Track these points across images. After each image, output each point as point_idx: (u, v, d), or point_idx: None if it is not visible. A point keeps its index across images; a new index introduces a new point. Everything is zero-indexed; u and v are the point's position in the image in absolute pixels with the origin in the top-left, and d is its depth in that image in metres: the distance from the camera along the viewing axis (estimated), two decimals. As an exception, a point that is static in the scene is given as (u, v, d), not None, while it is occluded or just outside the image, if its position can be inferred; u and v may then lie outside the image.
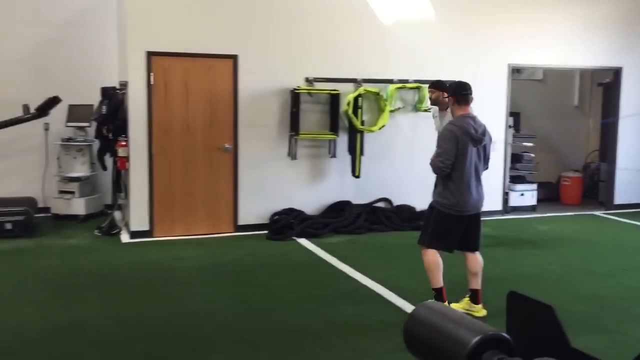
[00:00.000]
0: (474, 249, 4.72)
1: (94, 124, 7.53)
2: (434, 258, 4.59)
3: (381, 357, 3.99)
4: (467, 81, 4.64)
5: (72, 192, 7.65)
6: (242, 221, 7.27)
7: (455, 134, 4.44)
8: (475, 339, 1.36)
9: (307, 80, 7.42)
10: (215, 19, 7.05)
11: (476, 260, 4.71)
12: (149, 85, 6.83)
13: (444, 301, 4.58)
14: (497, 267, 6.09)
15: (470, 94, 4.57)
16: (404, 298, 5.02)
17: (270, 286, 5.42)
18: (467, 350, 1.34)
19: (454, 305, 4.70)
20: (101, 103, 7.39)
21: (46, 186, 7.90)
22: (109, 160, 7.57)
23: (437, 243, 4.59)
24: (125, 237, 6.95)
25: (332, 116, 7.53)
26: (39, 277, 5.52)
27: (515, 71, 8.77)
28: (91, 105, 7.69)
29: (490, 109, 8.28)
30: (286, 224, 7.06)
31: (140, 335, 4.27)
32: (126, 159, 6.89)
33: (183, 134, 7.01)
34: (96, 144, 7.65)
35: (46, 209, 7.79)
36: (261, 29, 7.23)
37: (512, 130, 8.67)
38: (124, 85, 7.22)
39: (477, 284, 4.74)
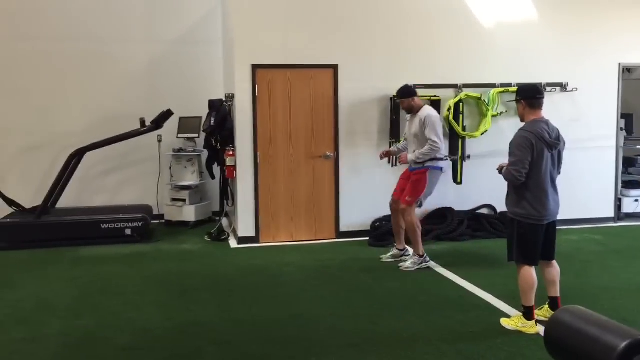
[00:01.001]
0: (551, 257, 4.57)
1: (203, 135, 7.93)
2: (529, 276, 4.42)
3: (493, 365, 3.94)
4: (575, 82, 4.53)
5: (183, 200, 8.09)
6: (343, 228, 7.38)
7: (530, 140, 4.28)
8: (624, 343, 1.35)
9: (407, 86, 7.43)
10: (315, 30, 7.23)
11: (554, 268, 4.59)
12: (254, 97, 7.11)
13: (532, 319, 4.45)
14: (613, 277, 5.81)
15: (543, 97, 4.47)
16: (513, 306, 4.91)
17: (375, 291, 5.47)
18: (616, 354, 1.34)
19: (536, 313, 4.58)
20: (209, 115, 7.77)
21: (160, 194, 8.40)
22: (217, 169, 7.95)
23: (526, 258, 4.44)
24: (233, 243, 7.26)
25: (433, 122, 7.48)
26: (158, 279, 5.88)
27: (627, 71, 8.33)
28: (200, 117, 8.11)
29: (600, 111, 7.94)
30: (387, 230, 7.08)
31: (255, 335, 4.45)
32: (233, 167, 7.20)
33: (286, 142, 7.24)
34: (205, 154, 8.05)
35: (160, 216, 8.29)
36: (360, 38, 7.34)
37: (623, 133, 8.24)
38: (230, 97, 7.56)
39: (556, 291, 4.61)
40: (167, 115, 7.72)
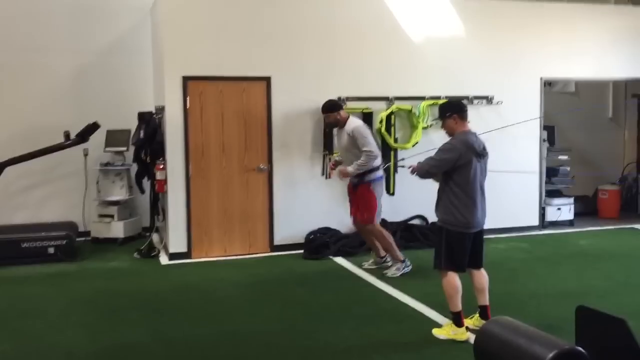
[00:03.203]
0: (479, 265, 4.67)
1: (132, 148, 7.69)
2: (453, 281, 4.51)
3: (427, 375, 3.97)
4: (500, 95, 4.67)
5: (111, 216, 7.80)
6: (278, 241, 7.31)
7: (459, 148, 4.46)
8: (551, 354, 1.36)
9: (340, 99, 7.48)
10: (247, 43, 7.17)
11: (482, 276, 4.69)
12: (185, 109, 6.96)
13: (462, 325, 4.53)
14: (539, 283, 6.01)
15: (467, 110, 4.69)
16: (446, 315, 4.97)
17: (310, 305, 5.43)
18: (543, 365, 1.35)
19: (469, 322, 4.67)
20: (139, 128, 7.56)
21: (86, 210, 8.06)
22: (146, 183, 7.72)
23: (453, 265, 4.52)
24: (164, 259, 7.05)
25: (365, 134, 7.56)
26: (83, 299, 5.62)
27: (548, 84, 8.71)
28: (129, 130, 7.86)
29: (524, 123, 8.24)
30: (322, 243, 7.08)
31: (188, 355, 4.32)
32: (164, 181, 7.02)
33: (219, 155, 7.12)
34: (134, 168, 7.81)
35: (86, 233, 7.95)
36: (293, 50, 7.34)
37: (546, 144, 8.60)
38: (160, 109, 7.37)
39: (485, 299, 4.70)
40: (93, 128, 7.41)
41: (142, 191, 7.81)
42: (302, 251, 7.14)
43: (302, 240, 7.29)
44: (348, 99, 7.48)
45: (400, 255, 6.33)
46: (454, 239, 4.48)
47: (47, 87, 8.03)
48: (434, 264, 4.64)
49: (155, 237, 7.68)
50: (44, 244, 6.90)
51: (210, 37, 7.06)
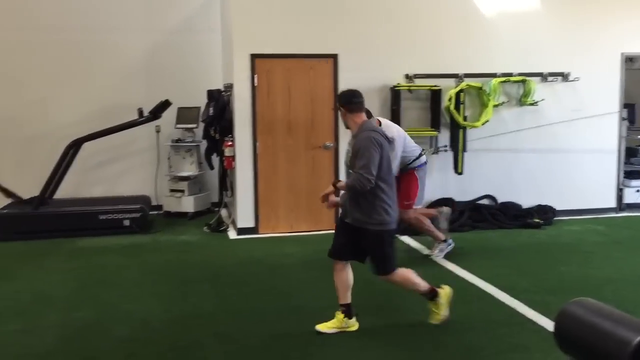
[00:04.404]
0: (364, 260, 4.30)
1: (202, 125, 7.86)
2: (403, 273, 4.26)
3: (494, 357, 3.90)
4: (577, 72, 4.23)
5: (182, 191, 8.03)
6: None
7: (378, 140, 4.02)
8: (639, 338, 1.30)
9: (407, 77, 7.37)
10: (315, 20, 7.15)
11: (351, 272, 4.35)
12: (253, 87, 7.04)
13: (436, 297, 4.35)
14: (616, 267, 5.77)
15: (362, 100, 4.19)
16: (516, 298, 4.87)
17: (376, 283, 5.38)
18: (630, 348, 1.29)
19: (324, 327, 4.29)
20: (208, 105, 7.71)
21: (158, 185, 8.34)
22: (215, 159, 7.89)
23: (394, 263, 4.22)
24: (232, 234, 7.21)
25: (433, 112, 7.43)
26: (156, 270, 5.83)
27: (629, 60, 8.25)
28: (198, 108, 8.04)
29: (602, 101, 7.87)
30: (388, 221, 7.04)
31: (254, 327, 4.40)
32: (232, 158, 7.14)
33: (286, 133, 7.17)
34: (204, 145, 7.99)
35: (159, 207, 8.23)
36: (361, 27, 7.26)
37: (626, 123, 8.18)
38: (229, 87, 7.49)
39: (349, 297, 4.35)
40: (165, 105, 7.64)
41: (212, 167, 7.99)
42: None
43: (367, 218, 7.27)
44: (416, 76, 7.36)
45: (441, 235, 6.16)
46: (392, 238, 4.17)
47: (121, 66, 8.29)
48: (382, 270, 4.21)
49: (223, 212, 7.86)
50: (119, 216, 7.20)
51: (278, 15, 7.08)
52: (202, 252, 6.50)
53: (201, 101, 7.93)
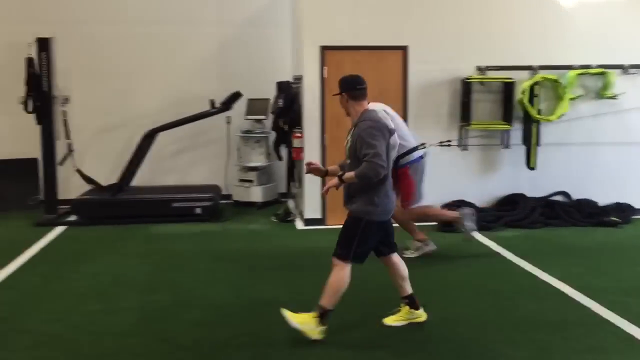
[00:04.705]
0: (394, 250, 4.25)
1: (271, 117, 7.98)
2: (347, 277, 4.06)
3: (569, 357, 3.79)
4: None
5: (250, 181, 8.20)
6: (410, 212, 7.28)
7: (380, 128, 3.86)
8: None
9: (479, 68, 7.23)
10: (385, 11, 7.12)
11: (401, 261, 4.31)
12: (322, 79, 7.08)
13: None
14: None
15: (365, 87, 4.05)
16: (592, 298, 4.71)
17: (446, 277, 5.38)
18: None
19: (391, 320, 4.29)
20: (277, 97, 7.82)
21: (228, 175, 8.54)
22: (284, 151, 8.00)
23: (359, 258, 4.07)
24: (299, 224, 7.30)
25: (506, 105, 7.27)
26: (227, 258, 5.99)
27: None
28: (268, 99, 8.17)
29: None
30: (456, 216, 6.94)
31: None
32: (301, 149, 7.22)
33: (354, 125, 7.17)
34: (272, 136, 8.11)
35: (228, 196, 8.43)
36: (431, 18, 7.18)
37: None
38: (298, 79, 7.56)
39: (409, 287, 4.31)
40: (235, 96, 7.81)
41: (280, 158, 8.11)
42: (434, 223, 7.05)
43: (435, 212, 7.20)
44: (488, 68, 7.20)
45: (421, 234, 5.95)
46: (373, 229, 3.98)
47: (195, 58, 8.52)
48: (337, 250, 4.09)
49: (291, 203, 7.97)
50: (191, 204, 7.43)
51: (348, 6, 7.09)
52: (270, 242, 6.62)
53: (271, 93, 8.05)
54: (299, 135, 7.24)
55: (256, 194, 8.18)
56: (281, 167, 8.34)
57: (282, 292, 4.97)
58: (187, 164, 8.63)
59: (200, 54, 8.53)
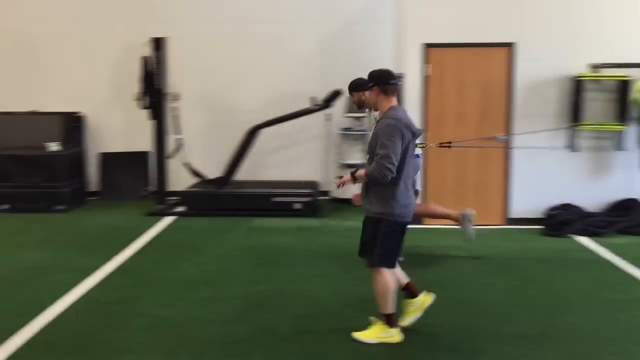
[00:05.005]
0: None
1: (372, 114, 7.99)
2: (388, 280, 3.95)
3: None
4: None
5: (349, 178, 8.24)
6: (513, 214, 7.06)
7: (400, 129, 3.74)
8: None
9: (592, 66, 6.87)
10: (491, 7, 6.93)
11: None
12: (424, 77, 7.00)
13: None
14: None
15: (397, 83, 3.95)
16: None
17: (551, 284, 5.17)
18: None
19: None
20: (378, 95, 7.80)
21: (327, 171, 8.64)
22: (383, 149, 7.97)
23: (389, 261, 3.96)
24: (397, 223, 7.26)
25: (620, 105, 6.86)
26: (325, 253, 6.07)
27: None
28: (368, 97, 8.16)
29: None
30: (564, 220, 6.65)
31: (425, 316, 4.42)
32: (400, 148, 7.17)
33: (456, 124, 7.05)
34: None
35: (326, 192, 8.54)
36: (539, 13, 6.91)
37: None
38: (399, 77, 7.51)
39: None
40: (336, 94, 7.88)
41: (378, 156, 8.10)
42: (539, 227, 6.80)
43: (540, 216, 6.95)
44: (603, 65, 6.83)
45: None
46: (394, 231, 3.90)
47: (296, 56, 8.68)
48: (368, 259, 4.03)
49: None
50: (291, 199, 7.60)
51: (453, 3, 6.96)
52: (368, 239, 6.63)
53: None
54: (399, 133, 7.19)
55: (354, 191, 8.20)
56: (379, 165, 8.32)
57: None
58: (287, 159, 8.83)
59: (302, 52, 8.69)
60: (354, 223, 7.25)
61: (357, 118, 8.30)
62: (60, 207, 7.87)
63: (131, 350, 3.88)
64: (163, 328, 4.22)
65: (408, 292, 4.24)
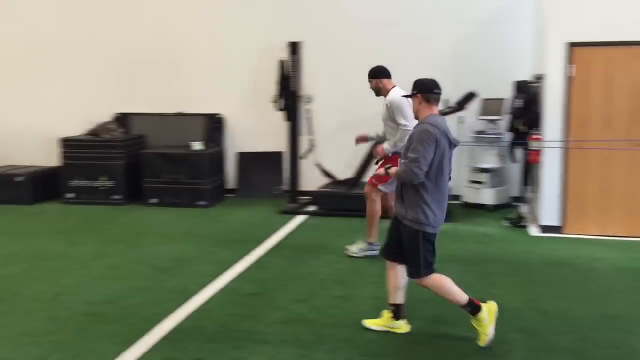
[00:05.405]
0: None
1: (507, 117, 7.71)
2: (440, 281, 4.04)
3: None
4: None
5: (481, 182, 8.02)
6: (666, 226, 6.49)
7: (435, 135, 3.81)
8: None
9: None
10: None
11: (404, 273, 4.13)
12: (567, 78, 6.64)
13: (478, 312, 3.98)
14: None
15: (440, 92, 4.08)
16: None
17: None
18: None
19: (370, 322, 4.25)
20: (515, 97, 7.53)
21: (458, 175, 8.45)
22: (519, 152, 7.67)
23: (429, 268, 4.01)
24: (533, 230, 6.95)
25: None
26: (458, 259, 5.94)
27: None
28: (503, 99, 7.90)
29: None
30: None
31: (564, 329, 4.21)
32: (538, 152, 6.86)
33: (602, 127, 6.61)
34: (507, 137, 7.83)
35: (456, 196, 8.35)
36: None
37: None
38: (538, 78, 7.19)
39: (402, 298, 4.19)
40: (470, 96, 7.70)
41: (514, 160, 7.80)
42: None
43: (698, 229, 6.32)
44: None
45: (374, 236, 5.89)
46: (428, 239, 3.97)
47: (429, 58, 8.55)
48: (410, 272, 4.06)
49: (524, 208, 7.62)
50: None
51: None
52: (502, 246, 6.42)
53: (506, 93, 7.78)
54: (538, 137, 6.88)
55: (487, 196, 7.98)
56: (515, 169, 8.01)
57: (516, 299, 4.82)
58: (417, 162, 8.74)
59: (435, 53, 8.57)
60: (488, 229, 7.08)
61: (492, 121, 8.04)
62: (202, 203, 8.40)
63: (268, 342, 4.06)
64: (298, 323, 4.36)
65: (396, 310, 4.21)
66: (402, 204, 4.00)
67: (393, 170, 4.06)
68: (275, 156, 9.12)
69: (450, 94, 7.83)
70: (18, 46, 9.69)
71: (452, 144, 3.94)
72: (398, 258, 4.14)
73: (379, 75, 6.08)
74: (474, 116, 8.15)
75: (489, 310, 3.99)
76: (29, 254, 6.15)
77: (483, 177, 8.02)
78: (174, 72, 9.35)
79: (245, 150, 9.30)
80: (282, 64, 8.23)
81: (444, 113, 7.75)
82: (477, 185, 8.07)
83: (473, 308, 3.99)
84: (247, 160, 9.26)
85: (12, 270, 5.63)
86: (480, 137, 8.13)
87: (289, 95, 8.18)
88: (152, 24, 9.32)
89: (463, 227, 7.23)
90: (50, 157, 9.18)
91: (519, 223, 7.15)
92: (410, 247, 4.00)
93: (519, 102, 7.36)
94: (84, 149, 8.69)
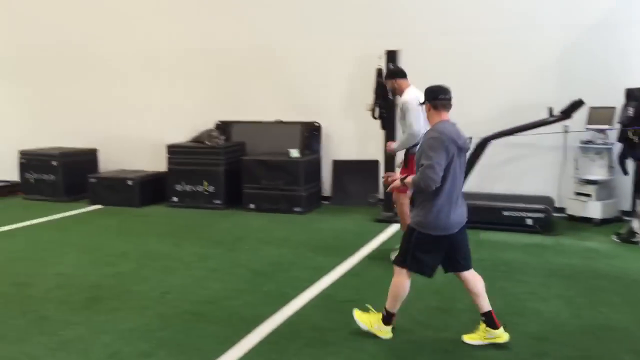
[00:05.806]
0: (466, 267, 4.14)
1: (618, 127, 7.29)
2: (402, 285, 4.13)
3: None
4: None
5: (588, 195, 7.63)
6: None
7: (443, 141, 3.87)
8: None
9: None
10: None
11: (475, 278, 4.14)
12: (686, 84, 6.19)
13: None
14: None
15: (449, 98, 4.07)
16: None
17: None
18: None
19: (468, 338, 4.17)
20: (626, 105, 7.11)
21: (562, 187, 8.09)
22: (630, 164, 7.23)
23: (414, 266, 4.07)
24: (646, 247, 6.53)
25: None
26: (561, 273, 5.69)
27: None
28: (613, 108, 7.48)
29: None
30: None
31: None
32: (653, 164, 6.44)
33: None
34: (617, 147, 7.41)
35: (561, 209, 8.00)
36: None
37: None
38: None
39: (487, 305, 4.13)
40: (577, 105, 7.36)
41: (625, 172, 7.35)
42: None
43: None
44: None
45: None
46: (425, 242, 4.01)
47: (533, 65, 8.28)
48: (396, 258, 4.19)
49: (635, 223, 7.15)
50: (522, 214, 7.27)
51: None
52: (610, 262, 6.07)
53: (617, 101, 7.35)
54: (654, 147, 6.46)
55: (594, 209, 7.57)
56: (626, 182, 7.55)
57: (627, 318, 4.55)
58: (517, 173, 8.46)
59: (539, 60, 8.26)
60: (594, 244, 6.73)
61: (601, 131, 7.63)
62: (298, 209, 8.56)
63: (365, 350, 4.06)
64: (396, 332, 4.33)
65: (487, 319, 4.13)
66: (412, 207, 4.19)
67: (409, 179, 4.10)
68: (371, 164, 9.13)
69: (554, 102, 7.57)
70: (134, 61, 10.37)
71: (462, 149, 4.00)
72: (459, 267, 4.16)
73: (395, 75, 6.08)
74: (580, 125, 7.77)
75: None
76: (138, 253, 6.53)
77: (590, 189, 7.61)
78: (273, 80, 9.63)
79: (341, 158, 9.39)
80: (379, 72, 8.24)
81: (547, 122, 7.50)
82: (583, 198, 7.68)
83: (388, 319, 4.23)
84: (343, 168, 9.35)
85: (124, 268, 6.00)
86: (588, 147, 7.74)
87: (385, 104, 8.17)
88: (253, 35, 9.66)
89: (567, 240, 6.90)
90: (158, 163, 9.73)
91: (630, 239, 6.74)
92: (404, 239, 4.16)
93: (631, 111, 6.94)
94: (188, 155, 9.13)
